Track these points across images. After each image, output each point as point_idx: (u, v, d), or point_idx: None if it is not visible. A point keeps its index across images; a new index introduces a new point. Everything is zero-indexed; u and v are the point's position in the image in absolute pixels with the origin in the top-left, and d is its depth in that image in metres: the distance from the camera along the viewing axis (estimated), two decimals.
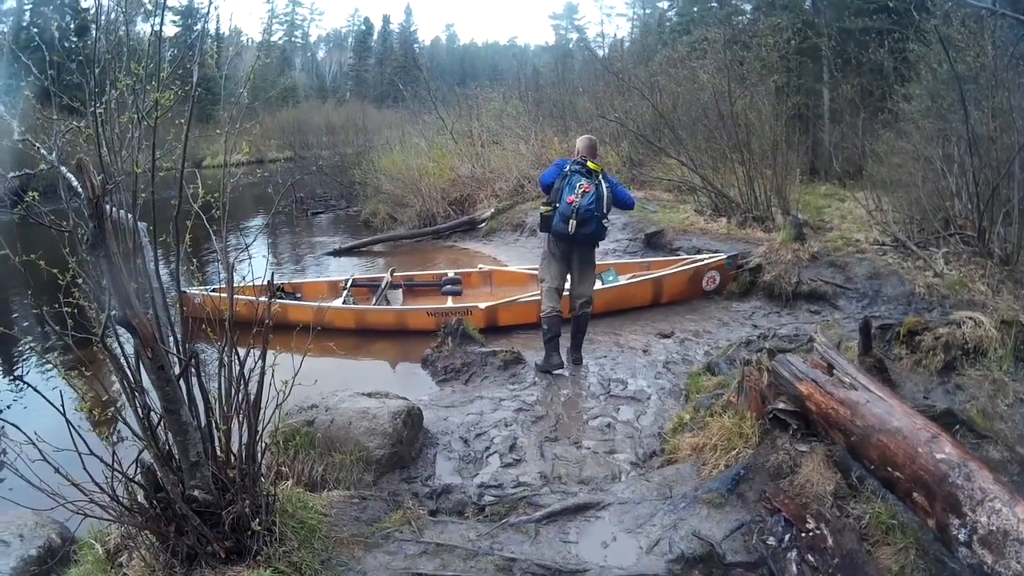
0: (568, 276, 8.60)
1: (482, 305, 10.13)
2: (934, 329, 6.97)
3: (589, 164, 8.16)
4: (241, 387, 4.30)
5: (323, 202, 25.37)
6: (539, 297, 8.79)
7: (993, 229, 10.17)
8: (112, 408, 4.05)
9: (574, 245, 8.34)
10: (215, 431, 4.30)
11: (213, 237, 4.41)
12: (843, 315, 9.74)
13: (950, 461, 3.93)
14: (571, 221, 7.95)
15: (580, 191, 7.94)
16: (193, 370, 4.15)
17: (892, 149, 14.50)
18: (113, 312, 3.59)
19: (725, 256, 11.37)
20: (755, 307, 10.76)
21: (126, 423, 4.09)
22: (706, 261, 11.39)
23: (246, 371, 4.29)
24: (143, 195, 4.07)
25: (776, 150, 14.47)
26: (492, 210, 18.13)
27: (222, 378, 4.31)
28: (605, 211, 8.09)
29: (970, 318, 6.96)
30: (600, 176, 8.17)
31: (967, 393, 6.31)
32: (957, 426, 5.42)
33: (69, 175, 3.72)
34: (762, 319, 10.23)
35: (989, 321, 6.85)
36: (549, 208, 8.17)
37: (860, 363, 5.68)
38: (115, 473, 3.92)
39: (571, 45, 77.92)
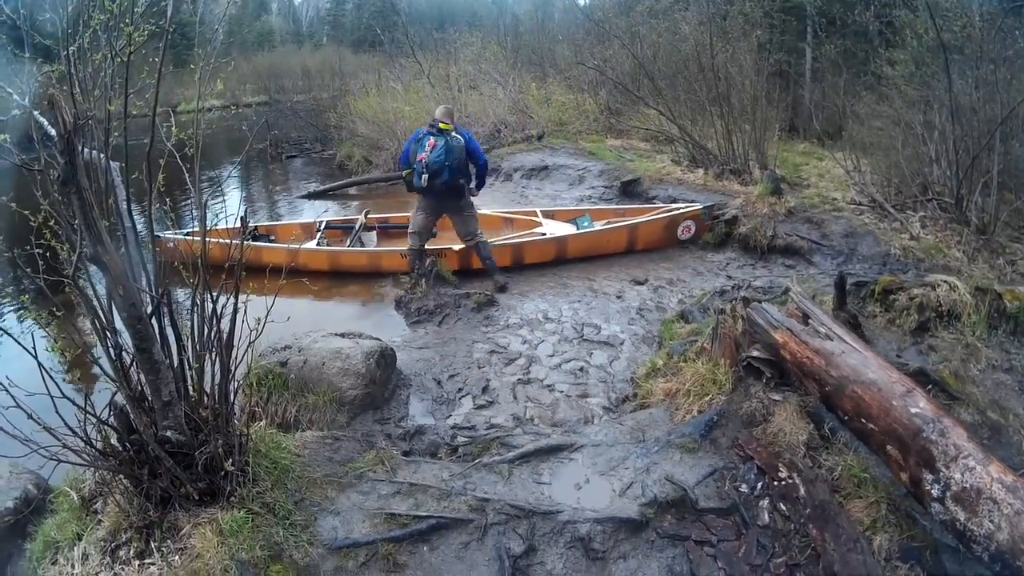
0: (432, 226, 9.76)
1: (456, 247, 10.00)
2: (909, 289, 7.00)
3: (440, 125, 9.14)
4: (214, 325, 4.22)
5: (298, 146, 24.80)
6: (515, 240, 10.12)
7: (971, 198, 10.16)
8: (83, 349, 3.98)
9: (438, 197, 9.36)
10: (187, 370, 4.24)
11: (186, 175, 4.28)
12: (818, 271, 9.72)
13: (924, 416, 3.94)
14: (423, 175, 8.99)
15: (428, 148, 8.95)
16: (165, 308, 4.06)
17: (873, 112, 14.41)
18: (84, 250, 3.50)
19: (701, 206, 11.23)
20: (730, 258, 10.71)
21: (98, 364, 4.02)
22: (682, 210, 11.24)
23: (219, 308, 4.21)
24: (116, 134, 3.95)
25: (756, 105, 14.36)
26: None
27: (195, 316, 4.23)
28: (455, 161, 8.98)
29: (945, 281, 6.98)
30: (451, 133, 9.08)
31: (940, 355, 6.34)
32: (929, 386, 5.44)
33: (42, 119, 3.62)
34: (736, 270, 10.20)
35: (964, 286, 6.88)
36: (409, 171, 9.16)
37: (834, 317, 5.67)
38: (88, 416, 3.84)
39: None
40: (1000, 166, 9.88)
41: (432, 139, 9.03)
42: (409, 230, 9.65)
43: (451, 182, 9.06)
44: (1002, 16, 10.78)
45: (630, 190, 14.04)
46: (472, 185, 9.42)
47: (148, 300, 3.97)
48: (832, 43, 18.05)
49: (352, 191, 17.53)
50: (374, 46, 43.17)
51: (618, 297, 9.02)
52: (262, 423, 5.14)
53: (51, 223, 3.75)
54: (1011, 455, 5.03)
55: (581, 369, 6.98)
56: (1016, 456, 5.06)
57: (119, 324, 3.88)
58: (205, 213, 4.31)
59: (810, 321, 5.23)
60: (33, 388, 3.58)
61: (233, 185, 17.42)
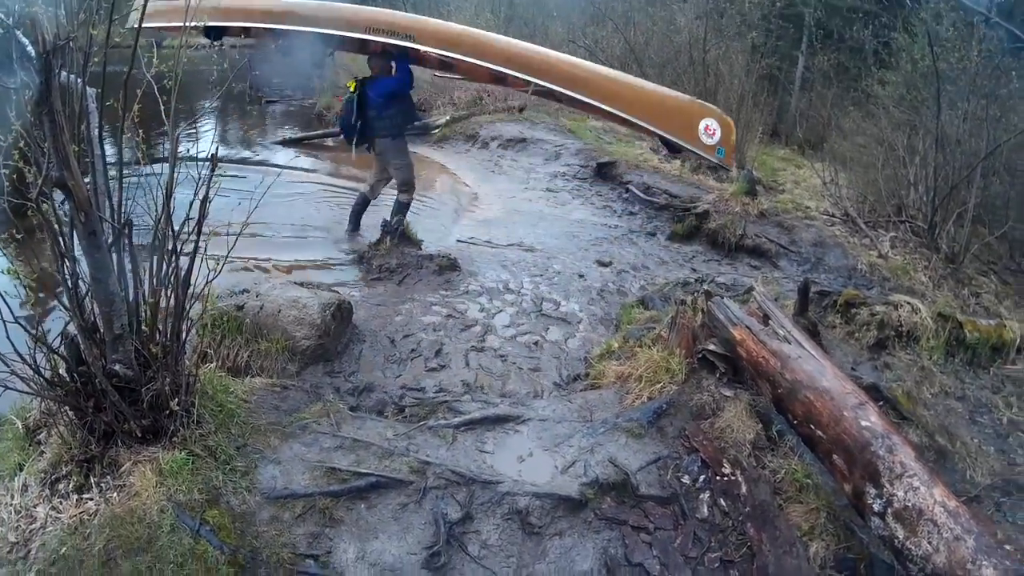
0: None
1: None
2: (871, 305, 7.05)
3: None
4: (172, 261, 4.13)
5: (278, 92, 24.59)
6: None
7: (944, 226, 10.30)
8: (40, 275, 3.88)
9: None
10: (142, 304, 4.15)
11: (162, 107, 4.16)
12: (783, 275, 9.74)
13: (874, 430, 3.95)
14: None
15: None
16: (126, 240, 3.96)
17: (858, 128, 14.58)
18: (51, 174, 3.40)
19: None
20: (696, 251, 10.70)
21: (53, 292, 3.93)
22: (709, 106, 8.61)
23: (179, 245, 4.12)
24: (95, 60, 3.84)
25: (741, 105, 14.46)
26: (447, 117, 17.75)
27: (154, 249, 4.14)
28: (352, 118, 9.01)
29: (908, 303, 7.04)
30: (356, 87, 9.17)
31: (894, 373, 6.40)
32: (881, 403, 5.46)
33: (23, 39, 3.51)
34: (702, 264, 10.19)
35: (927, 310, 6.94)
36: None
37: (794, 323, 5.67)
38: (38, 344, 3.77)
39: None
40: (977, 199, 10.03)
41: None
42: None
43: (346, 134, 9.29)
44: (1000, 54, 10.84)
45: (605, 172, 13.92)
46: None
47: (109, 230, 3.87)
48: (826, 55, 18.21)
49: (328, 142, 17.32)
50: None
51: (581, 276, 8.98)
52: (212, 365, 5.07)
53: (21, 144, 3.65)
54: (955, 481, 5.08)
55: (536, 343, 6.95)
56: (959, 483, 5.11)
57: (78, 252, 3.79)
58: (176, 148, 4.19)
59: (770, 322, 5.21)
60: None
61: (208, 124, 17.17)
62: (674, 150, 9.17)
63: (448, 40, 8.30)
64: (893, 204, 11.58)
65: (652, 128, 8.31)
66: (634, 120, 8.16)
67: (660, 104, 8.33)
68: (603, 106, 8.16)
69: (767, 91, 17.03)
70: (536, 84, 7.97)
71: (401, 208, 9.31)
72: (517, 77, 8.12)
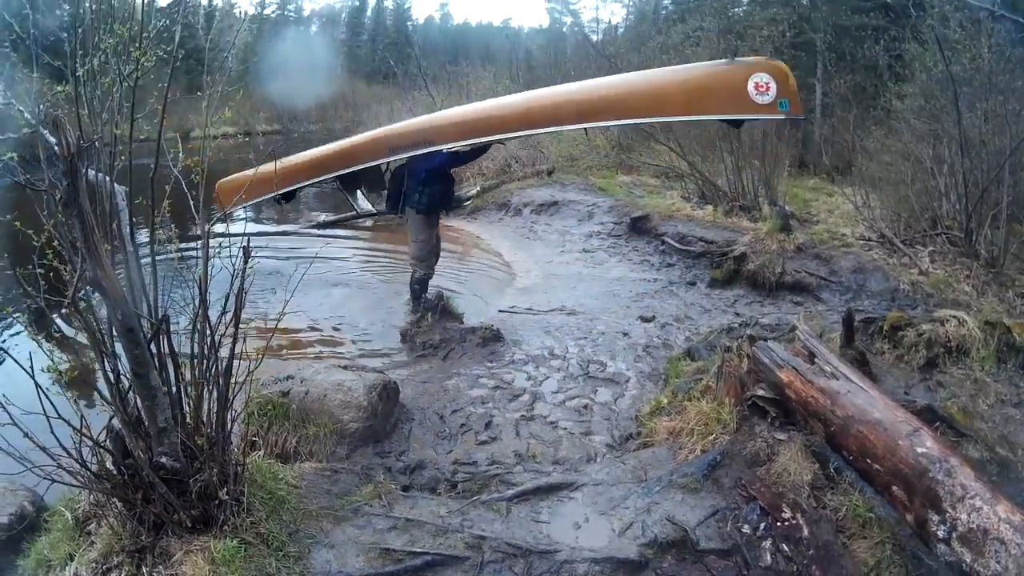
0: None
1: None
2: (917, 325, 6.93)
3: None
4: (212, 353, 4.19)
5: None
6: None
7: (980, 231, 10.19)
8: (80, 370, 3.96)
9: None
10: (184, 397, 4.21)
11: (191, 201, 4.27)
12: (826, 307, 9.70)
13: (931, 456, 3.89)
14: None
15: None
16: (164, 335, 4.04)
17: (883, 146, 14.51)
18: (85, 273, 3.49)
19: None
20: (738, 295, 10.69)
21: (95, 388, 4.00)
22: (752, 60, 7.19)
23: (218, 338, 4.18)
24: (122, 158, 3.97)
25: (766, 141, 14.43)
26: (478, 188, 17.82)
27: (194, 343, 4.21)
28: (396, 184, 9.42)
29: (954, 317, 6.92)
30: None
31: (948, 391, 6.27)
32: (937, 423, 5.38)
33: (49, 137, 3.63)
34: (744, 307, 10.16)
35: (973, 321, 6.82)
36: None
37: (842, 355, 5.62)
38: (84, 438, 3.82)
39: (565, 29, 77.13)
40: (1009, 198, 9.94)
41: None
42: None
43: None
44: (1010, 47, 10.79)
45: (640, 226, 13.97)
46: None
47: (147, 326, 3.95)
48: (842, 78, 18.17)
49: (365, 222, 17.50)
50: (388, 78, 43.32)
51: (625, 334, 8.96)
52: (260, 453, 5.13)
53: (54, 243, 3.76)
54: (1020, 491, 4.95)
55: (585, 406, 6.93)
56: None
57: (118, 348, 3.86)
58: (208, 240, 4.29)
59: (816, 360, 5.17)
60: (30, 406, 3.57)
61: (240, 212, 17.39)
62: (735, 124, 8.06)
63: (466, 127, 8.27)
64: (927, 218, 11.49)
65: (691, 118, 8.25)
66: (667, 120, 8.08)
67: (686, 88, 7.16)
68: (629, 120, 8.38)
69: (789, 123, 17.04)
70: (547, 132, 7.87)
71: (417, 282, 9.42)
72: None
